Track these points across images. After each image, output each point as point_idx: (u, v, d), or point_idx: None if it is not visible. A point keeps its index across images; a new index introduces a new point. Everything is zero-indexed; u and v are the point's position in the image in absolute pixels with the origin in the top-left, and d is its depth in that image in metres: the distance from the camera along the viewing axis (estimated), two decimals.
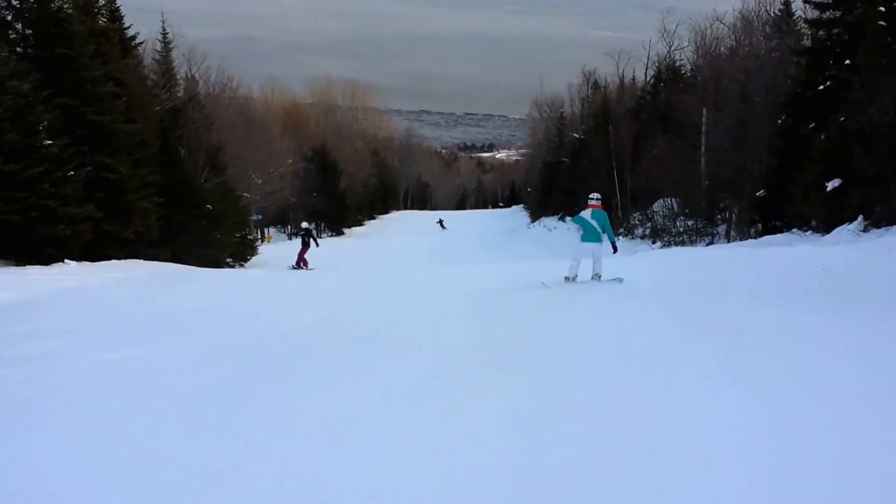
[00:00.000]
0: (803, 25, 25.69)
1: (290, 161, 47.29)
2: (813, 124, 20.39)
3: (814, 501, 3.02)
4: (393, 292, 11.26)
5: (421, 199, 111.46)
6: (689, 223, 29.72)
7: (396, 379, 5.26)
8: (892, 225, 15.31)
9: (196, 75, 32.31)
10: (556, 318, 7.82)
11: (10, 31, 17.12)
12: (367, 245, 41.27)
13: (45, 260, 15.71)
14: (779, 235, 19.74)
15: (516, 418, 4.24)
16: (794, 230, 19.46)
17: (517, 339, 6.57)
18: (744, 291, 8.64)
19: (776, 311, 7.22)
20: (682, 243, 28.37)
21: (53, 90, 16.43)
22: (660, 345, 6.04)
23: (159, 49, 26.24)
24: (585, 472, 3.38)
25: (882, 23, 16.74)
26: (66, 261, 15.68)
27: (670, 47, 42.43)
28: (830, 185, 17.50)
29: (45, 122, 15.79)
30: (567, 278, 10.43)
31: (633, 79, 48.06)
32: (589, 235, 10.43)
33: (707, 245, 26.56)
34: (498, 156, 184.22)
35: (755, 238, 22.17)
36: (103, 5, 20.37)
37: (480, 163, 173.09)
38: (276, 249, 33.48)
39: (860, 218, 16.28)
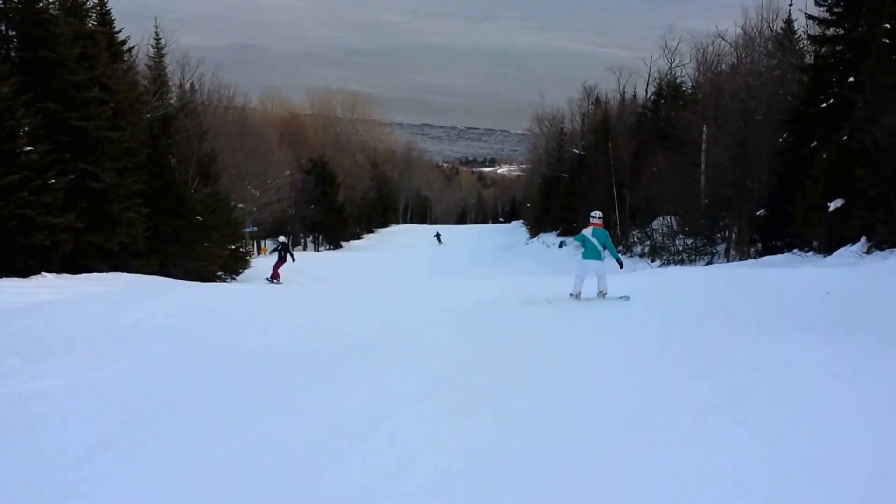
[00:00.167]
0: (805, 43, 25.39)
1: (288, 172, 46.91)
2: (815, 143, 19.99)
3: None
4: (366, 315, 10.64)
5: (421, 213, 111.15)
6: (689, 242, 29.26)
7: (344, 417, 4.74)
8: (895, 247, 14.83)
9: (192, 83, 31.96)
10: (547, 345, 7.28)
11: None
12: (364, 258, 40.80)
13: (23, 272, 15.20)
14: (779, 256, 19.26)
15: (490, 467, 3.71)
16: (794, 251, 18.98)
17: (498, 377, 6.02)
18: (748, 317, 8.03)
19: (782, 340, 6.62)
20: (682, 262, 27.92)
21: (35, 94, 16.02)
22: (657, 379, 5.45)
23: (151, 55, 25.86)
24: None
25: (886, 40, 16.36)
26: (43, 273, 15.14)
27: (671, 64, 42.24)
28: (833, 206, 17.05)
29: (26, 128, 15.36)
30: (572, 295, 10.53)
31: (634, 95, 47.84)
32: (590, 253, 10.53)
33: (706, 264, 26.08)
34: (499, 171, 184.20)
35: (755, 258, 21.69)
36: (91, 7, 19.94)
37: (482, 177, 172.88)
38: (271, 262, 32.93)
39: (863, 239, 15.81)
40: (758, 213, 22.68)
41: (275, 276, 23.14)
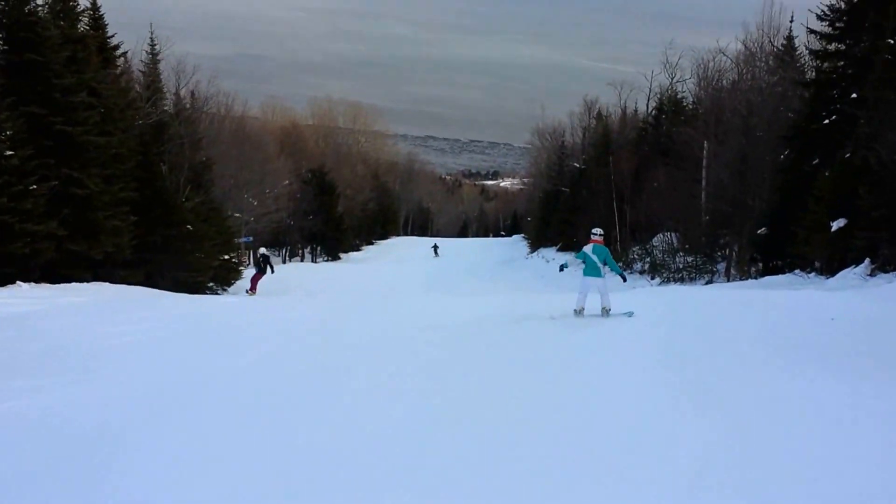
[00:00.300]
0: (807, 59, 25.06)
1: (287, 182, 46.53)
2: (817, 160, 19.56)
3: None
4: (337, 337, 10.12)
5: (422, 225, 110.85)
6: (689, 259, 28.78)
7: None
8: None
9: (189, 89, 31.61)
10: (538, 373, 6.78)
11: None
12: (360, 270, 40.41)
13: (1, 280, 14.77)
14: (781, 276, 18.77)
15: None
16: (796, 271, 18.50)
17: (484, 412, 5.53)
18: (750, 345, 7.48)
19: (787, 373, 6.10)
20: (682, 280, 27.43)
21: (20, 97, 15.65)
22: (654, 418, 4.94)
23: (145, 60, 25.52)
24: None
25: (889, 56, 15.98)
26: (18, 283, 14.67)
27: (672, 79, 41.97)
28: (835, 226, 16.59)
29: (8, 131, 14.97)
30: (576, 311, 10.71)
31: (636, 110, 47.59)
32: (590, 270, 10.72)
33: (706, 283, 25.60)
34: (502, 184, 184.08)
35: (756, 278, 21.20)
36: (82, 11, 19.55)
37: (484, 190, 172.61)
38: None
39: (867, 261, 15.33)
40: (758, 231, 22.21)
41: (253, 289, 22.85)
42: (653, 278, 29.58)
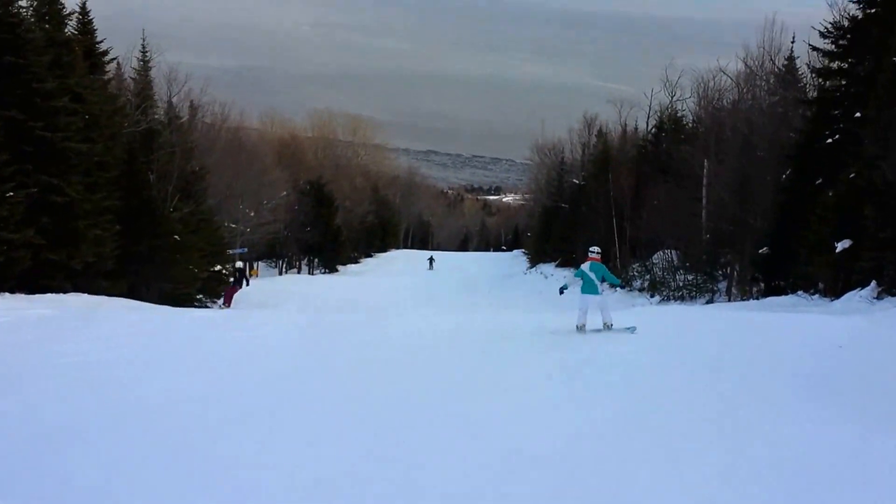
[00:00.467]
0: (809, 78, 24.66)
1: (285, 193, 46.08)
2: (820, 180, 19.03)
3: None
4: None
5: (422, 239, 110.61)
6: (689, 277, 28.21)
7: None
8: None
9: (186, 98, 31.24)
10: (528, 406, 6.13)
11: None
12: (355, 283, 39.90)
13: None
14: (784, 297, 18.16)
15: None
16: (799, 292, 17.91)
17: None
18: (754, 377, 6.85)
19: (791, 410, 5.51)
20: (682, 298, 26.85)
21: None
22: (648, 462, 4.37)
23: (136, 67, 25.07)
24: None
25: (893, 74, 15.50)
26: None
27: (672, 97, 41.53)
28: (840, 246, 16.02)
29: None
30: (577, 327, 10.74)
31: (636, 128, 47.14)
32: (588, 287, 10.79)
33: (707, 302, 25.02)
34: (504, 199, 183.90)
35: (757, 298, 20.61)
36: (69, 14, 19.08)
37: (486, 205, 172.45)
38: (256, 285, 31.81)
39: (873, 283, 14.74)
40: (760, 251, 21.65)
41: (227, 302, 22.34)
42: (652, 296, 29.00)
